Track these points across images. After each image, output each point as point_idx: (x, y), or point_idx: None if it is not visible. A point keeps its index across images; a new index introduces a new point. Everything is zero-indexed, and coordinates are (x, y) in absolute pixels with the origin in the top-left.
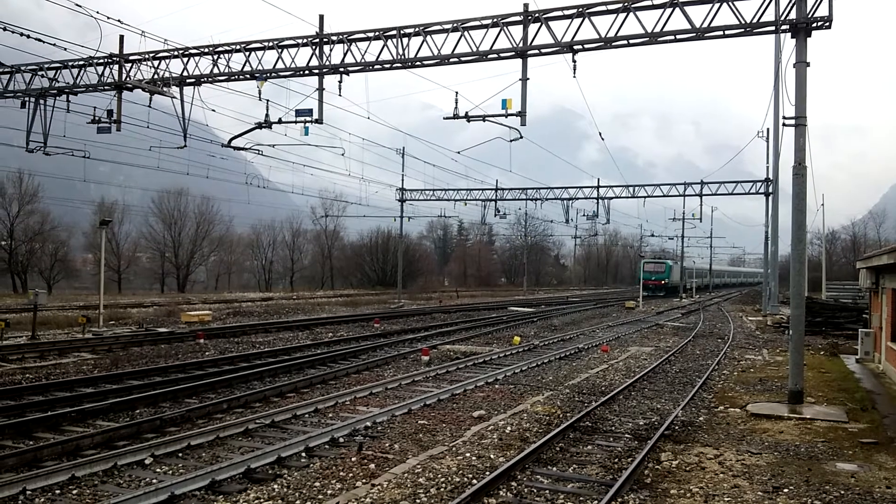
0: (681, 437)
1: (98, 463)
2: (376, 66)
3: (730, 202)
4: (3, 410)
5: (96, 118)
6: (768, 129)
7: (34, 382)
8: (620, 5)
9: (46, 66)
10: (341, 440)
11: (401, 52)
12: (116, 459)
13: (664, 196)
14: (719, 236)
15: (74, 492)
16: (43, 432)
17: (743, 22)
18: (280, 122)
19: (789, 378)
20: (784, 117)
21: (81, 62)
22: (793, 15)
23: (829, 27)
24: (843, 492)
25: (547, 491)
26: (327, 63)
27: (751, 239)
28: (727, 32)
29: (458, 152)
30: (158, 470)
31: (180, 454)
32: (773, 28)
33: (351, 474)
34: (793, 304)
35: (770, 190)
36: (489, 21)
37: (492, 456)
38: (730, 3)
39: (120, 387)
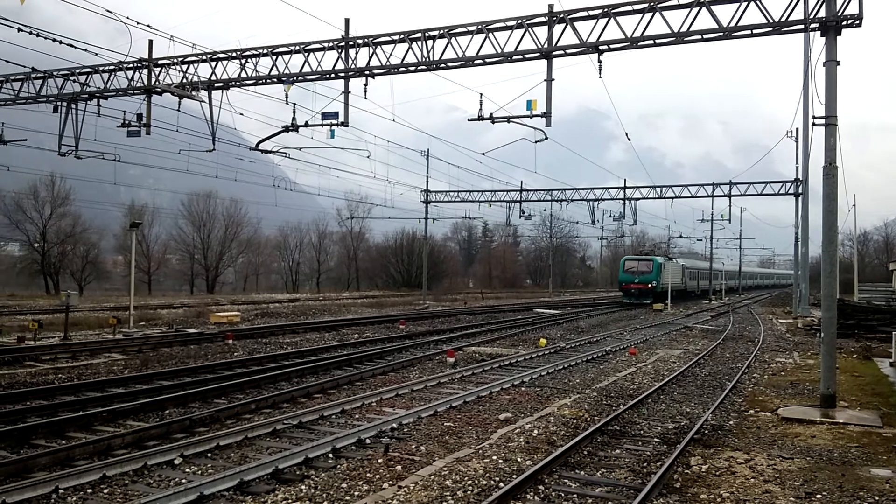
0: (711, 441)
1: (129, 462)
2: (401, 69)
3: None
4: (37, 410)
5: (126, 122)
6: (798, 129)
7: (66, 382)
8: (646, 5)
9: (78, 71)
10: (368, 441)
11: (426, 54)
12: (146, 459)
13: (692, 197)
14: (748, 237)
15: (106, 491)
16: (75, 432)
17: (771, 21)
18: (307, 125)
19: (821, 381)
20: (814, 117)
21: (112, 67)
22: (822, 13)
23: (859, 25)
24: (877, 498)
25: (575, 495)
26: (353, 66)
27: (781, 240)
28: (755, 32)
29: (483, 154)
30: (188, 470)
31: (209, 454)
32: (801, 27)
33: (378, 476)
34: (824, 307)
35: (800, 190)
36: (514, 22)
37: (519, 459)
38: (757, 2)
39: (150, 387)
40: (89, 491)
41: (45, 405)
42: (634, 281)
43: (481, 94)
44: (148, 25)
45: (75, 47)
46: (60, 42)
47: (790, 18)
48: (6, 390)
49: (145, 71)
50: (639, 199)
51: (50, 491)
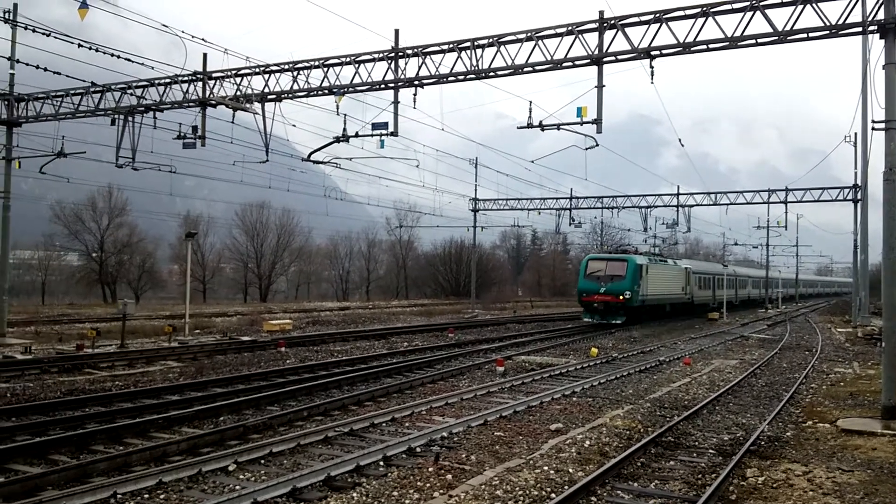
0: (767, 453)
1: (184, 469)
2: (450, 78)
3: (816, 209)
4: (95, 416)
5: (182, 134)
6: (856, 133)
7: (123, 389)
8: (699, 10)
9: (135, 84)
10: (418, 450)
11: (474, 63)
12: (201, 465)
13: (747, 203)
14: (805, 245)
15: (162, 496)
16: (132, 438)
17: (828, 24)
18: (357, 135)
19: (882, 392)
20: (873, 121)
21: (167, 80)
22: (881, 15)
23: None
24: None
25: None
26: (402, 76)
27: (839, 247)
28: (811, 35)
29: (532, 161)
30: (241, 476)
31: (262, 461)
32: (859, 30)
33: (428, 484)
34: (885, 315)
35: (859, 196)
36: (564, 29)
37: (570, 470)
38: (813, 5)
39: (205, 394)
40: (146, 496)
41: (103, 412)
42: (600, 291)
43: (530, 102)
44: (202, 39)
45: (132, 61)
46: (118, 57)
47: (847, 21)
48: (66, 397)
49: (200, 84)
50: (692, 205)
51: (108, 496)
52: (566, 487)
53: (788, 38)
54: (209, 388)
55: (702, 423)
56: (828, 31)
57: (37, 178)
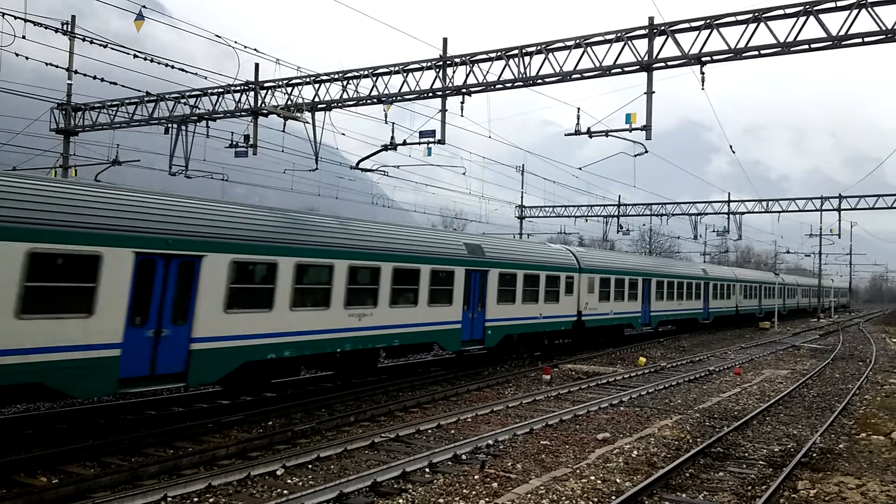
0: (819, 465)
1: (233, 472)
2: (498, 86)
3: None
4: (147, 421)
5: (234, 143)
6: None
7: (176, 394)
8: (750, 15)
9: (188, 94)
10: (464, 457)
11: (522, 70)
12: (250, 469)
13: (799, 211)
14: (859, 253)
15: (211, 500)
16: (181, 442)
17: (884, 28)
18: (404, 143)
19: None
20: None
21: (220, 90)
22: None
23: None
24: None
25: None
26: (450, 85)
27: (894, 255)
28: (866, 40)
29: (580, 168)
30: (289, 481)
31: (310, 466)
32: None
33: (474, 492)
34: None
35: None
36: (613, 36)
37: (617, 480)
38: (869, 10)
39: (254, 398)
40: (195, 500)
41: (154, 415)
42: None
43: (578, 109)
44: (255, 49)
45: (186, 71)
46: (172, 67)
47: None
48: (119, 401)
49: (252, 93)
50: (743, 213)
51: (159, 498)
52: (613, 498)
53: (843, 42)
54: (260, 393)
55: (752, 433)
56: (884, 36)
57: None
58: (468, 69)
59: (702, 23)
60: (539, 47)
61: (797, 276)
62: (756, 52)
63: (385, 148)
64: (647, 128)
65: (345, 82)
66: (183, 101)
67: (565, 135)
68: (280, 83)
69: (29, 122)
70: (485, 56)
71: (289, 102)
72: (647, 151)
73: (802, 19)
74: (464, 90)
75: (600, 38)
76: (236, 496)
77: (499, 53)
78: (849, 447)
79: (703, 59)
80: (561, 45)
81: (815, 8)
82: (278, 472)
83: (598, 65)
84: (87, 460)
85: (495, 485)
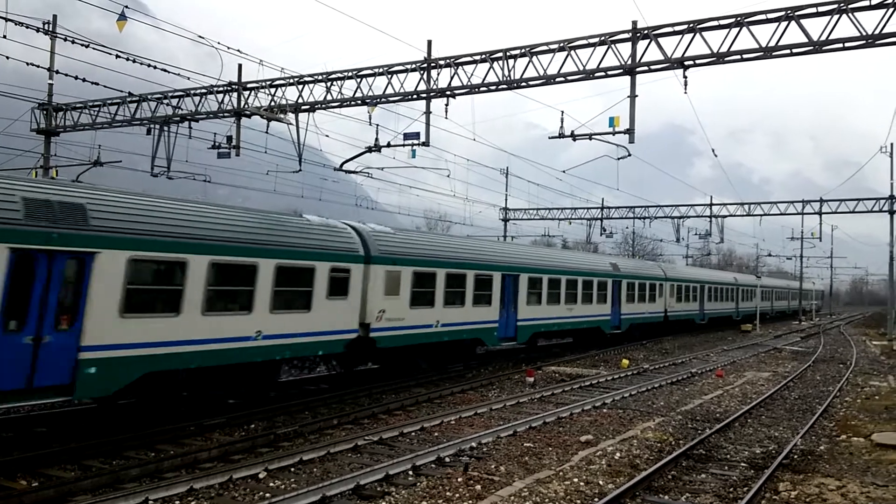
0: (800, 467)
1: (215, 476)
2: (482, 89)
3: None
4: (127, 424)
5: (216, 144)
6: (892, 144)
7: None
8: (732, 20)
9: (170, 94)
10: (447, 460)
11: (506, 73)
12: (232, 472)
13: (781, 214)
14: (840, 256)
15: (192, 503)
16: (163, 444)
17: (864, 34)
18: (389, 145)
19: None
20: None
21: (203, 90)
22: None
23: None
24: None
25: None
26: (434, 87)
27: (875, 259)
28: (847, 45)
29: (564, 171)
30: (272, 484)
31: (292, 469)
32: None
33: (457, 495)
34: None
35: (894, 207)
36: (597, 39)
37: (600, 482)
38: (850, 15)
39: (237, 402)
40: (177, 503)
41: (136, 418)
42: None
43: (562, 112)
44: (238, 50)
45: (168, 72)
46: (154, 67)
47: (884, 31)
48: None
49: (235, 94)
50: (725, 216)
51: (140, 501)
52: (596, 500)
53: (824, 47)
54: (241, 396)
55: (734, 435)
56: (864, 41)
57: None
58: (452, 71)
59: (685, 27)
60: (523, 50)
61: (777, 279)
62: (738, 57)
63: (369, 149)
64: (630, 131)
65: (329, 83)
66: (165, 101)
67: (549, 137)
68: (263, 84)
69: (9, 122)
70: (469, 58)
71: (272, 103)
72: (630, 155)
73: (784, 24)
74: (448, 92)
75: (584, 42)
76: (218, 499)
77: (483, 56)
78: (829, 449)
79: (686, 63)
80: (545, 48)
81: (796, 13)
82: (261, 476)
83: (581, 68)
84: (67, 463)
85: (479, 487)
